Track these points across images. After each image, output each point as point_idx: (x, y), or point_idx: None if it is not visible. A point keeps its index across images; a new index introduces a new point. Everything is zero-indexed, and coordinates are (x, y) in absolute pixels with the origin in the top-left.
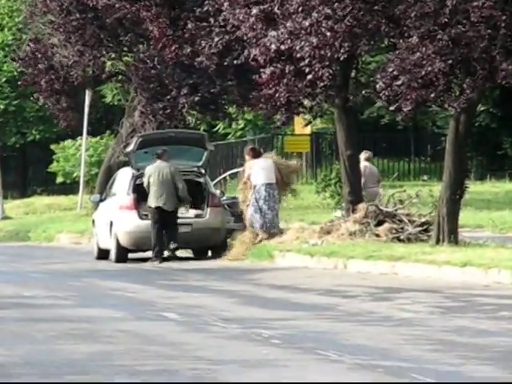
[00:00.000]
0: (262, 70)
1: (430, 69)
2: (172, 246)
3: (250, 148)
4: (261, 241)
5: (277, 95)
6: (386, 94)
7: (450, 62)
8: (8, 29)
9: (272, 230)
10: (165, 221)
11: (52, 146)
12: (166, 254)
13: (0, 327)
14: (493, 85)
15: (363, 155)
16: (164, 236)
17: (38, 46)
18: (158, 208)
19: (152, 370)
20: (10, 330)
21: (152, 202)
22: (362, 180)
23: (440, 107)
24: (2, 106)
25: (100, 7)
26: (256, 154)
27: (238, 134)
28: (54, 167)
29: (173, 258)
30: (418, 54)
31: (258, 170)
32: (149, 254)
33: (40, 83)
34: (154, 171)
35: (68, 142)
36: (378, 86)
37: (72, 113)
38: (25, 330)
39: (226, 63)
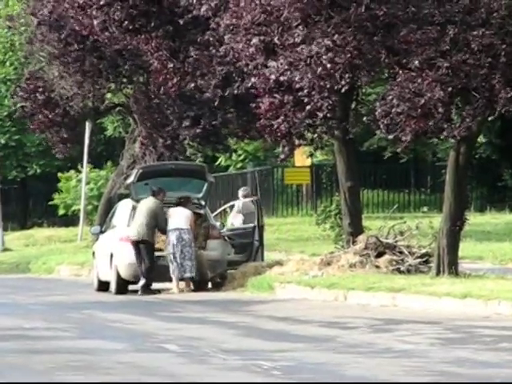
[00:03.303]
0: (260, 100)
1: (429, 96)
2: (140, 283)
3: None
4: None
5: (275, 126)
6: (385, 122)
7: (449, 90)
8: (10, 63)
9: (184, 275)
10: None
11: (59, 174)
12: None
13: None
14: (492, 113)
15: (242, 192)
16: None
17: (37, 78)
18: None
19: None
20: (9, 361)
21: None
22: (242, 217)
23: (438, 139)
24: (3, 141)
25: (101, 40)
26: (178, 204)
27: (239, 165)
28: (56, 198)
29: (148, 293)
30: (418, 81)
31: (170, 219)
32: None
33: (38, 116)
34: (139, 205)
35: (72, 173)
36: (377, 113)
37: (71, 144)
38: (24, 362)
39: (226, 94)
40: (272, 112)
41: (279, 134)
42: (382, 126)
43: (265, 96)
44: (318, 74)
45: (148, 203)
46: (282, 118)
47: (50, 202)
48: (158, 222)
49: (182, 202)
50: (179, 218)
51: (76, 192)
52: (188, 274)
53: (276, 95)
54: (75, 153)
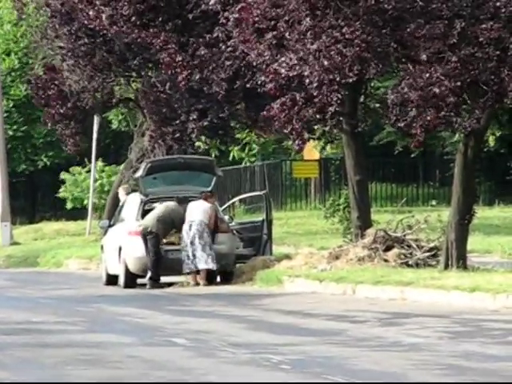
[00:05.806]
0: (271, 103)
1: (438, 90)
2: (147, 275)
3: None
4: (198, 283)
5: (290, 128)
6: (395, 112)
7: (458, 83)
8: (14, 53)
9: (199, 266)
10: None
11: (61, 174)
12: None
13: (9, 353)
14: (501, 107)
15: (125, 189)
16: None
17: (50, 72)
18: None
19: None
20: (19, 355)
21: None
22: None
23: (450, 128)
24: (11, 132)
25: (110, 34)
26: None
27: (252, 159)
28: (62, 192)
29: (156, 286)
30: (427, 75)
31: (188, 213)
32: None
33: (52, 106)
34: (160, 207)
35: (76, 168)
36: (389, 102)
37: (80, 138)
38: (33, 356)
39: (235, 88)
40: (285, 113)
41: (294, 133)
42: (391, 116)
43: (275, 97)
44: (327, 66)
45: (169, 203)
46: (295, 116)
47: (57, 195)
48: (176, 226)
49: (204, 197)
50: (195, 211)
51: (86, 185)
52: (203, 265)
53: (287, 94)
54: (84, 146)
